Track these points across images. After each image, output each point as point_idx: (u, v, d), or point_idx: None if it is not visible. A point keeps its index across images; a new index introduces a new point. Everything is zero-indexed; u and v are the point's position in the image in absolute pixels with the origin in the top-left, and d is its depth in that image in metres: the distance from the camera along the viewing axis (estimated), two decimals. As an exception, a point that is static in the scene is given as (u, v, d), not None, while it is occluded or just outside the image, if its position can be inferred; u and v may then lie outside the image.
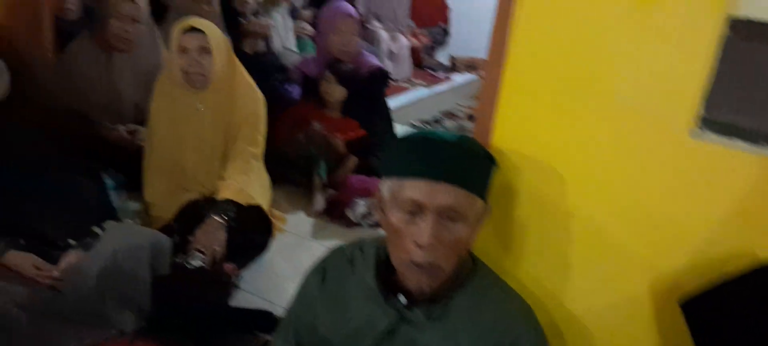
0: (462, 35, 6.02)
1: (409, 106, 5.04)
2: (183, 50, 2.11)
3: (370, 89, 2.89)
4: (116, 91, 2.54)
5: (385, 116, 2.97)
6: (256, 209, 2.16)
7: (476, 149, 1.09)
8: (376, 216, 1.57)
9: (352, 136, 2.83)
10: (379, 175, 1.12)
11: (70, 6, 2.90)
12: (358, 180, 2.68)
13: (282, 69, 3.74)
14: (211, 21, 2.90)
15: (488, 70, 1.24)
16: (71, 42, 2.47)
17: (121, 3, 2.40)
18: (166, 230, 2.04)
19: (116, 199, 2.22)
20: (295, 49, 4.00)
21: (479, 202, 1.06)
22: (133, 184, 2.27)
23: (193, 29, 2.13)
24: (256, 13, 3.45)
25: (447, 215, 1.02)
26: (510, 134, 1.23)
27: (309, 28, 4.25)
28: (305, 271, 1.27)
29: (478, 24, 5.86)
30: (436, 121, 5.15)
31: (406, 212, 1.03)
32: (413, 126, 4.94)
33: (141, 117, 2.51)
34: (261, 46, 3.38)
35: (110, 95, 2.53)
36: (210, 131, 2.20)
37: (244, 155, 2.22)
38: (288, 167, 2.78)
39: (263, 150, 2.32)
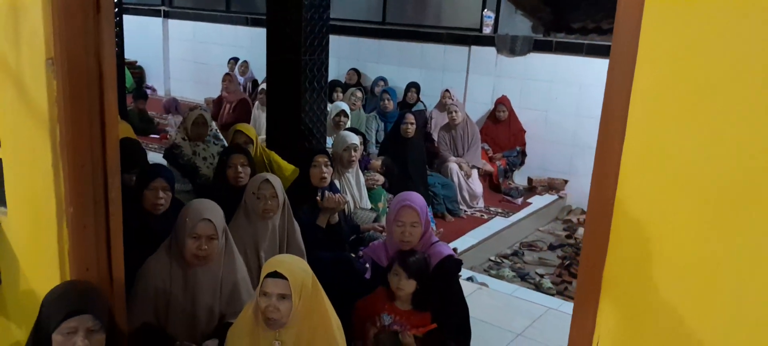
0: (537, 157, 5.92)
1: (488, 239, 4.93)
2: (264, 293, 2.17)
3: (440, 280, 2.82)
4: (193, 301, 2.61)
5: (459, 306, 2.89)
6: None
7: None
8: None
9: (423, 331, 2.76)
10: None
11: (161, 202, 3.01)
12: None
13: (355, 229, 3.78)
14: (276, 212, 2.97)
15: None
16: (149, 259, 2.59)
17: (197, 223, 2.49)
18: None
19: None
20: (368, 204, 4.03)
21: None
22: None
23: (278, 274, 2.17)
24: (331, 186, 3.51)
25: None
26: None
27: (380, 179, 4.29)
28: None
29: (554, 145, 5.77)
30: (515, 253, 4.98)
31: None
32: (493, 262, 4.81)
33: (213, 322, 2.59)
34: (335, 218, 3.41)
35: (187, 306, 2.60)
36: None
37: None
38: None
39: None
